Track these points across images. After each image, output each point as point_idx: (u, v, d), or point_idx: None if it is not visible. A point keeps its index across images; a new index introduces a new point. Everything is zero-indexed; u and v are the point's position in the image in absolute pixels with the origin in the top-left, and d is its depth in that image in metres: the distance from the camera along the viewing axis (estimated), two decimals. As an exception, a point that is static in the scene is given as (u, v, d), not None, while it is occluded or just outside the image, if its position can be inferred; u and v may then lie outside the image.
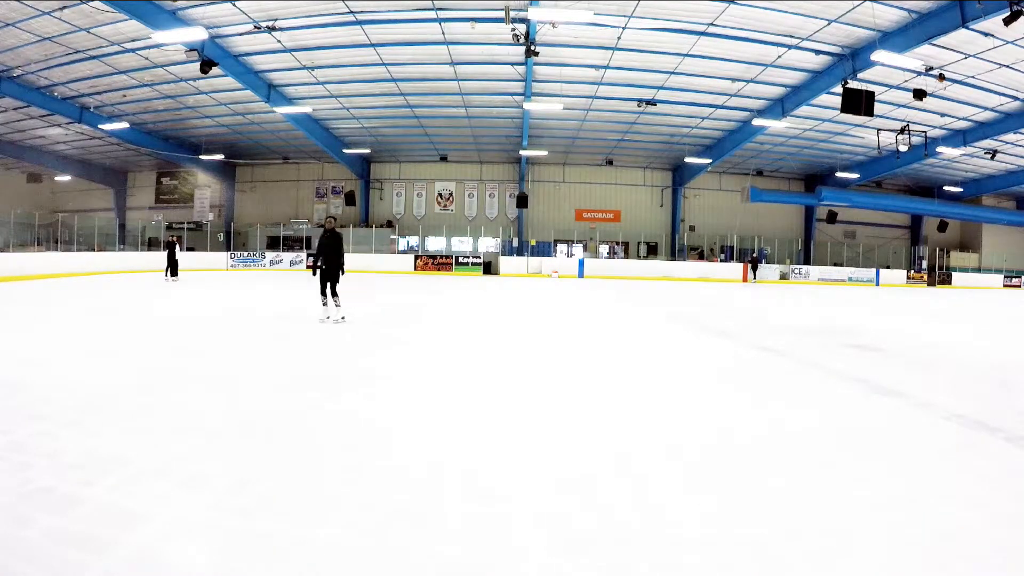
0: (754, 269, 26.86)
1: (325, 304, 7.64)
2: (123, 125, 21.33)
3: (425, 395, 4.01)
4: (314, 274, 7.73)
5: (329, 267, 7.55)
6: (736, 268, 27.71)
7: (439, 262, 26.76)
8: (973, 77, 15.84)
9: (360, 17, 14.11)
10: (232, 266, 26.01)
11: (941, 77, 14.94)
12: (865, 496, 2.44)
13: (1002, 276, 30.62)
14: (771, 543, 2.01)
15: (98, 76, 17.96)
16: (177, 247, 17.43)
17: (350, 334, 6.92)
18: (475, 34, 14.71)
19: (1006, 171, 25.73)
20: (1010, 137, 20.53)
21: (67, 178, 29.81)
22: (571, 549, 1.94)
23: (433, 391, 4.15)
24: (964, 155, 23.11)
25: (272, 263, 26.68)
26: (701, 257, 29.62)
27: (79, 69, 17.27)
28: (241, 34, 14.94)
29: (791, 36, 14.35)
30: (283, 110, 19.57)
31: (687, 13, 13.50)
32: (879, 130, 19.60)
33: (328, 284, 7.57)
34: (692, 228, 30.09)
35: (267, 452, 2.78)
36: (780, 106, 18.78)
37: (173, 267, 17.04)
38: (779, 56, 15.41)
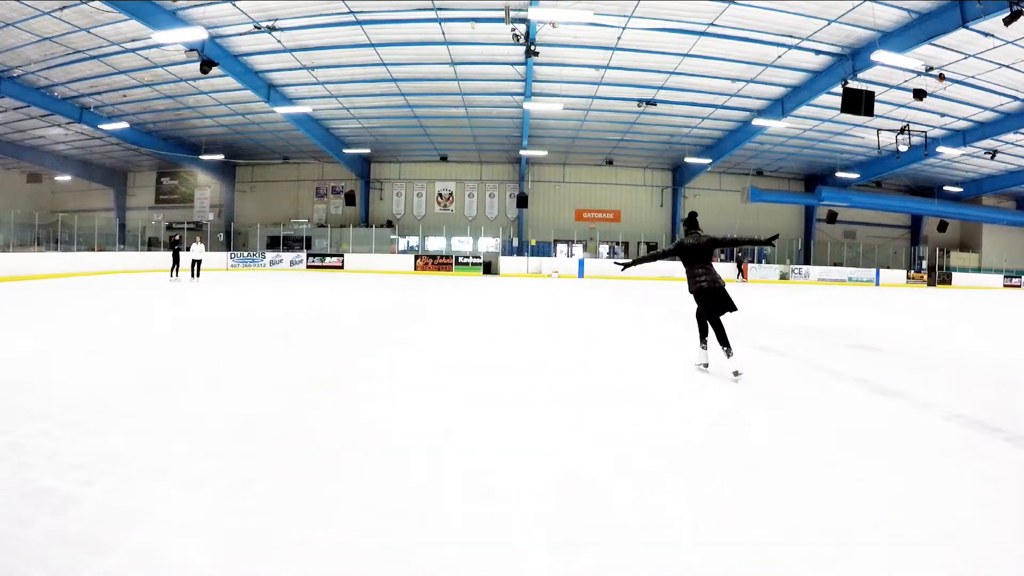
0: (739, 268, 27.07)
1: None
2: (123, 125, 21.34)
3: (425, 395, 4.01)
4: None
5: None
6: (736, 268, 27.75)
7: (439, 262, 26.76)
8: (973, 77, 15.85)
9: (360, 17, 14.11)
10: (232, 266, 26.02)
11: (941, 77, 14.95)
12: (865, 496, 2.44)
13: (1002, 276, 30.64)
14: (771, 543, 2.01)
15: (98, 76, 17.97)
16: (179, 247, 17.50)
17: (350, 334, 6.92)
18: (475, 34, 14.72)
19: (1006, 171, 25.74)
20: (1010, 137, 20.53)
21: (67, 178, 29.83)
22: (571, 549, 1.94)
23: (433, 391, 4.14)
24: (964, 155, 23.13)
25: (272, 263, 26.69)
26: (701, 257, 29.62)
27: (79, 69, 17.28)
28: (241, 34, 14.95)
29: (791, 36, 14.35)
30: (283, 110, 19.58)
31: (687, 13, 13.51)
32: (879, 130, 19.62)
33: None
34: (692, 228, 30.09)
35: (267, 452, 2.78)
36: (780, 106, 18.79)
37: (178, 266, 17.15)
38: (779, 56, 15.41)
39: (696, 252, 4.93)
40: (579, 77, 17.79)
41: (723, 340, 4.79)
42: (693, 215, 5.21)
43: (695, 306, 5.08)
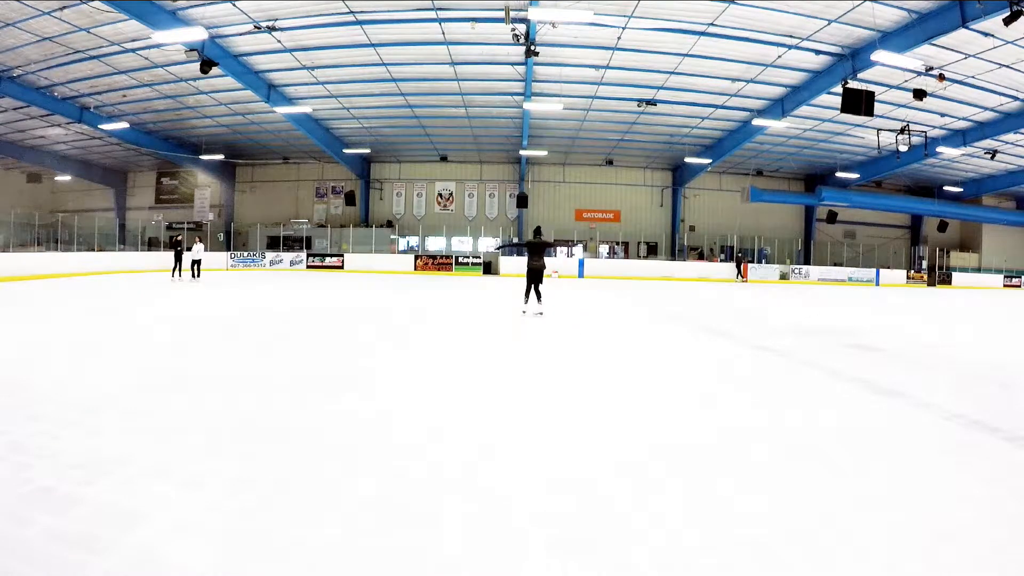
0: (738, 268, 27.08)
1: None
2: (123, 125, 21.34)
3: (425, 395, 4.01)
4: None
5: None
6: (735, 268, 27.78)
7: (439, 262, 26.75)
8: (973, 77, 15.85)
9: (360, 17, 14.11)
10: (232, 266, 26.02)
11: (941, 77, 14.95)
12: (865, 496, 2.44)
13: (1002, 276, 30.65)
14: (771, 543, 2.01)
15: (98, 76, 17.97)
16: (180, 247, 17.46)
17: (350, 334, 6.93)
18: (475, 34, 14.72)
19: (1006, 171, 25.75)
20: (1010, 137, 20.54)
21: (67, 178, 29.83)
22: (571, 549, 1.94)
23: (433, 391, 4.15)
24: (964, 155, 23.13)
25: (272, 263, 26.69)
26: (701, 257, 29.63)
27: (79, 69, 17.28)
28: (241, 34, 14.95)
29: (791, 36, 14.35)
30: (283, 110, 19.58)
31: (687, 13, 13.51)
32: (879, 130, 19.62)
33: None
34: (692, 228, 30.10)
35: (267, 452, 2.78)
36: (780, 106, 18.79)
37: (180, 266, 17.13)
38: (779, 56, 15.41)
39: (537, 247, 9.10)
40: (579, 77, 17.79)
41: (539, 297, 9.11)
42: (539, 228, 9.72)
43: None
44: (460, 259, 26.89)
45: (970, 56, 14.48)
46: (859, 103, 13.78)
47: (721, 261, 29.02)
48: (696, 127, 22.25)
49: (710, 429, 3.37)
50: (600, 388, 4.41)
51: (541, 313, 9.01)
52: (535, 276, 9.02)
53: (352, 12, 13.86)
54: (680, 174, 28.89)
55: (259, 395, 3.87)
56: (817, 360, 5.89)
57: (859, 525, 2.16)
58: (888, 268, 29.79)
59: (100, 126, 21.13)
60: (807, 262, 30.06)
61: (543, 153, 25.25)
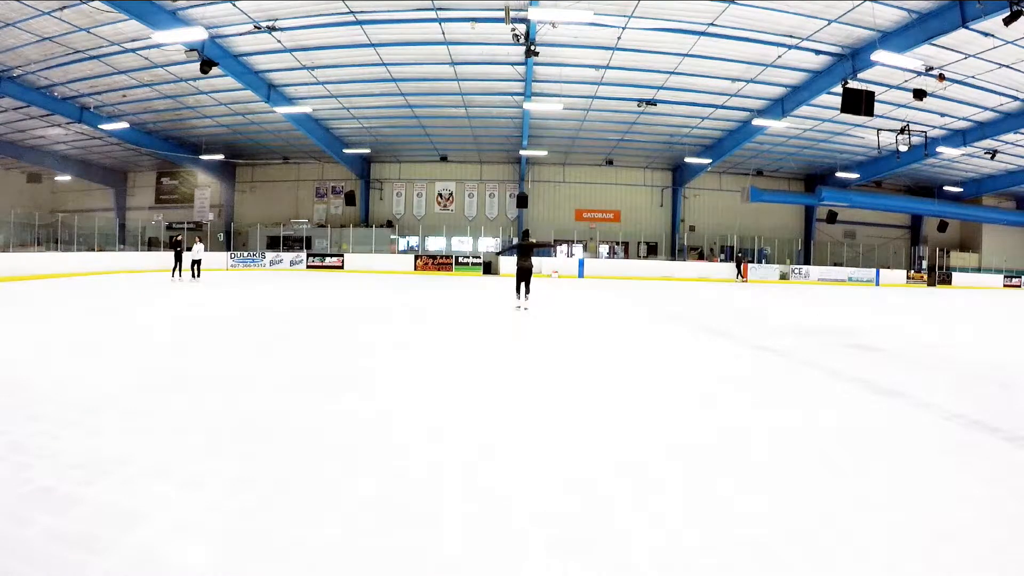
0: (738, 268, 27.08)
1: None
2: (123, 125, 21.33)
3: (425, 395, 4.01)
4: None
5: None
6: (735, 268, 27.78)
7: (439, 262, 26.75)
8: (973, 77, 15.84)
9: (360, 17, 14.11)
10: (232, 266, 26.02)
11: (941, 77, 14.95)
12: (865, 496, 2.44)
13: (1002, 276, 30.63)
14: (771, 543, 2.01)
15: (98, 76, 17.97)
16: (180, 247, 17.43)
17: (350, 335, 6.93)
18: (475, 34, 14.71)
19: (1006, 171, 25.74)
20: (1010, 137, 20.53)
21: (67, 178, 29.82)
22: (571, 549, 1.94)
23: (434, 391, 4.15)
24: (964, 155, 23.12)
25: (272, 263, 26.69)
26: (701, 257, 29.63)
27: (79, 69, 17.28)
28: (241, 34, 14.95)
29: (791, 36, 14.35)
30: (283, 110, 19.58)
31: (687, 13, 13.51)
32: (879, 130, 19.62)
33: None
34: (692, 228, 30.10)
35: (267, 452, 2.78)
36: (780, 106, 18.78)
37: (180, 266, 17.11)
38: (779, 56, 15.41)
39: (524, 248, 10.06)
40: (579, 77, 17.78)
41: (527, 293, 10.00)
42: (527, 231, 10.99)
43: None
44: (460, 259, 26.88)
45: (970, 56, 14.48)
46: (859, 103, 13.77)
47: (721, 261, 29.01)
48: (696, 127, 22.25)
49: (710, 429, 3.37)
50: (600, 388, 4.41)
51: (526, 308, 9.84)
52: (524, 275, 10.03)
53: (352, 12, 13.86)
54: (680, 174, 28.88)
55: (259, 395, 3.87)
56: (817, 360, 5.89)
57: (859, 525, 2.16)
58: (888, 268, 29.77)
59: (100, 126, 21.12)
60: (807, 262, 30.06)
61: (543, 153, 25.25)
